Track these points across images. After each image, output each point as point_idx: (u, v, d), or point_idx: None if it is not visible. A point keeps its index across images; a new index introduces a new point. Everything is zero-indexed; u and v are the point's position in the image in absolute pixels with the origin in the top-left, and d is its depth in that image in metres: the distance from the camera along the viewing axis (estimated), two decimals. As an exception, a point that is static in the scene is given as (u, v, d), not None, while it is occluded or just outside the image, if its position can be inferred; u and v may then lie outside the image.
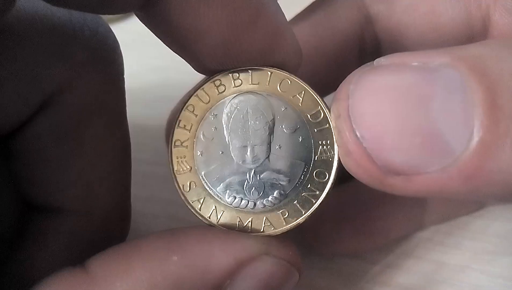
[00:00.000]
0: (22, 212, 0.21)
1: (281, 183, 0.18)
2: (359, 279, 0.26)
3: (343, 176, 0.18)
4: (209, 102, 0.19)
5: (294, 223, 0.18)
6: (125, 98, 0.22)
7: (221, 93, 0.19)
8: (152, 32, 0.17)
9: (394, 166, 0.15)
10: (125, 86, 0.22)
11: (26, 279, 0.17)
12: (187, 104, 0.19)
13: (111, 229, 0.21)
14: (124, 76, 0.22)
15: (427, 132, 0.15)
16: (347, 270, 0.26)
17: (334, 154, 0.18)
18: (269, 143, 0.18)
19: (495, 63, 0.15)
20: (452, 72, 0.15)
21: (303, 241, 0.26)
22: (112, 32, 0.21)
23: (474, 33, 0.23)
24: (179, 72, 0.29)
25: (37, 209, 0.21)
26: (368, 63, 0.17)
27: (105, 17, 0.22)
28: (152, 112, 0.32)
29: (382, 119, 0.15)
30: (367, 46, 0.25)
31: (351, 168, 0.16)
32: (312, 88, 0.18)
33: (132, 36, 0.36)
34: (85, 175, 0.20)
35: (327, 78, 0.24)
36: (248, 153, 0.18)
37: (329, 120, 0.18)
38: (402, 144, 0.15)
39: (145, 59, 0.36)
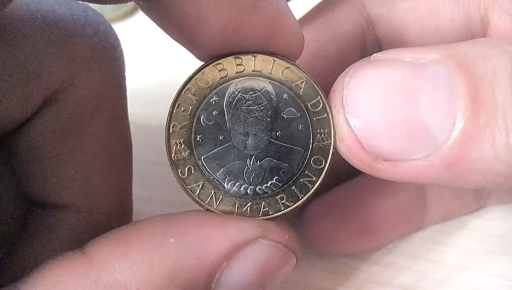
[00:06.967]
0: (25, 209, 0.22)
1: (281, 169, 0.18)
2: (359, 279, 0.26)
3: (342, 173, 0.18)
4: (210, 85, 0.19)
5: (292, 207, 0.19)
6: (126, 95, 0.22)
7: (222, 77, 0.19)
8: (153, 21, 0.18)
9: (382, 153, 0.17)
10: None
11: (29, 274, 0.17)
12: (187, 86, 0.19)
13: (113, 225, 0.21)
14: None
15: (412, 123, 0.16)
16: (347, 270, 0.27)
17: (330, 142, 0.18)
18: (270, 130, 0.19)
19: (481, 60, 0.16)
20: (441, 68, 0.16)
21: (303, 240, 0.26)
22: (114, 30, 0.22)
23: (473, 34, 0.24)
24: (179, 72, 0.29)
25: (39, 206, 0.21)
26: (366, 58, 0.19)
27: (107, 16, 0.22)
28: (152, 112, 0.33)
29: (372, 109, 0.17)
30: (369, 49, 0.26)
31: (344, 153, 0.18)
32: (313, 78, 0.19)
33: (132, 35, 0.36)
34: (87, 172, 0.21)
35: (329, 81, 0.24)
36: (250, 140, 0.18)
37: (327, 110, 0.18)
38: (389, 133, 0.17)
39: (146, 59, 0.36)
